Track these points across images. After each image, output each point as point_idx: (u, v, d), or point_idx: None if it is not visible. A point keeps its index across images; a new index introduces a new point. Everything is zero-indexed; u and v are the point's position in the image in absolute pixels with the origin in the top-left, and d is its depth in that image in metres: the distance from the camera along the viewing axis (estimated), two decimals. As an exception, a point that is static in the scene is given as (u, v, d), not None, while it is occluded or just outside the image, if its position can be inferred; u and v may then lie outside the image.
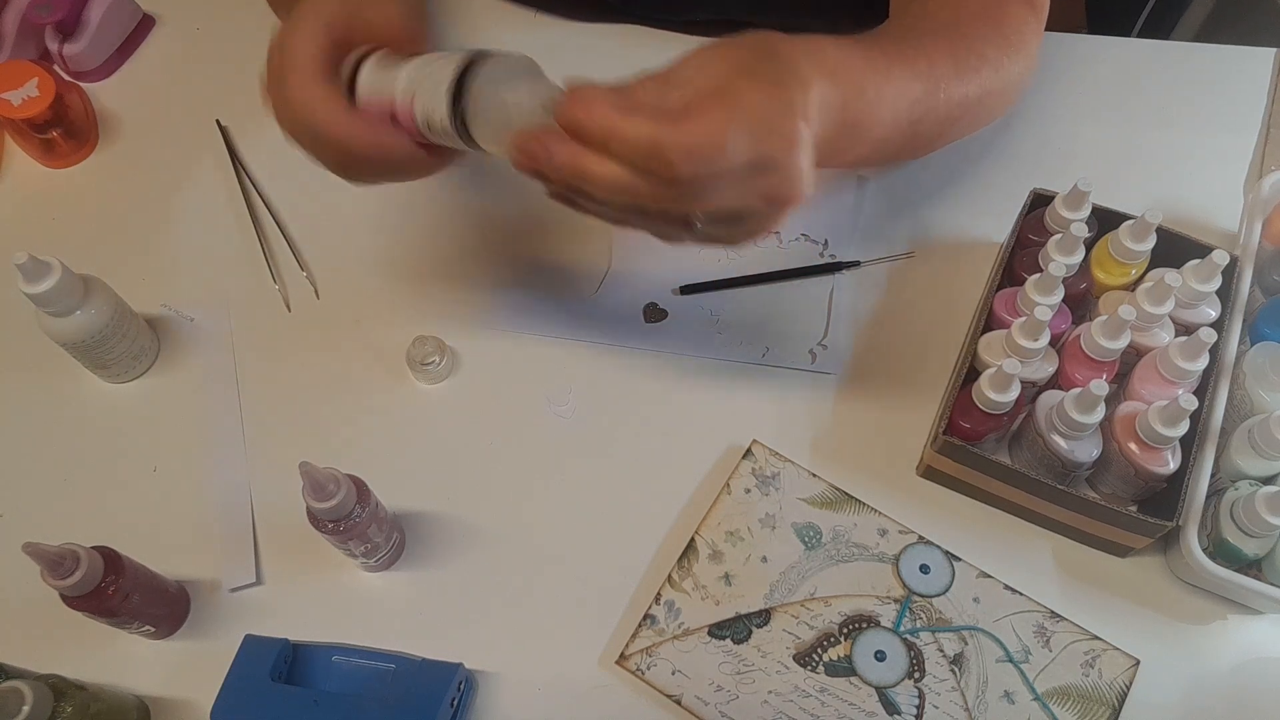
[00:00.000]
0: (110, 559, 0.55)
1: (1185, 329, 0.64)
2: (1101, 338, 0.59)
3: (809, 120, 0.47)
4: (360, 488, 0.56)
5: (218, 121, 0.81)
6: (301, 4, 0.51)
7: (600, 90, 0.46)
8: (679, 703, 0.58)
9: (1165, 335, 0.63)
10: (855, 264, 0.72)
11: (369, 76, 0.50)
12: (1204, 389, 0.61)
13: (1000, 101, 0.67)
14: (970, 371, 0.63)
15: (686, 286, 0.72)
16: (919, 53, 0.58)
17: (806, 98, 0.47)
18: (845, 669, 0.59)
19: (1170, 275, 0.60)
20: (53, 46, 0.81)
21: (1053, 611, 0.60)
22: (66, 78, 0.82)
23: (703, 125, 0.44)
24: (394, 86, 0.50)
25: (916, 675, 0.59)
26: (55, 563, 0.52)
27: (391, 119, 0.50)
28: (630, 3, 0.82)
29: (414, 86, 0.49)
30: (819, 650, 0.59)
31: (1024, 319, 0.60)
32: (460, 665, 0.57)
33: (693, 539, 0.62)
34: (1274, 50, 0.82)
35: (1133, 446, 0.58)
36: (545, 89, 0.48)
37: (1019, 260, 0.67)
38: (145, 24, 0.86)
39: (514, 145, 0.47)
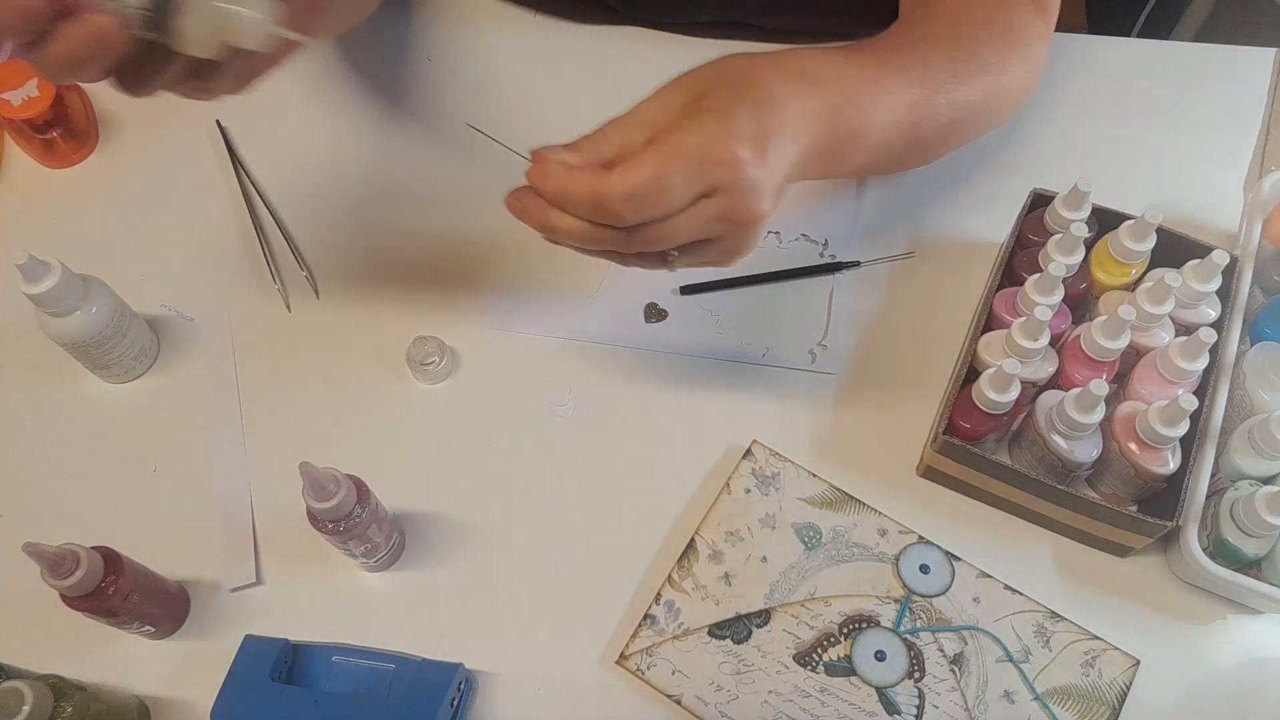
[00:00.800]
0: (110, 559, 0.55)
1: (1185, 329, 0.64)
2: (1101, 338, 0.59)
3: (756, 140, 0.48)
4: (360, 488, 0.56)
5: (218, 122, 0.81)
6: None
7: (554, 151, 0.49)
8: (679, 703, 0.58)
9: (1165, 335, 0.63)
10: (855, 264, 0.72)
11: None
12: (1204, 389, 0.61)
13: (1004, 105, 0.67)
14: (970, 371, 0.63)
15: (686, 287, 0.72)
16: (914, 59, 0.59)
17: (765, 119, 0.49)
18: (845, 669, 0.59)
19: (1170, 275, 0.60)
20: (53, 46, 0.81)
21: (1053, 611, 0.60)
22: (66, 78, 0.82)
23: (638, 171, 0.46)
24: None
25: (916, 675, 0.59)
26: (55, 563, 0.52)
27: None
28: (630, 4, 0.82)
29: None
30: (819, 650, 0.59)
31: (1024, 319, 0.60)
32: (460, 665, 0.57)
33: (693, 539, 0.62)
34: (1274, 50, 0.82)
35: (1133, 446, 0.58)
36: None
37: (1019, 260, 0.67)
38: (145, 24, 0.86)
39: (507, 200, 0.50)
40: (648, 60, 0.83)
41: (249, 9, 0.43)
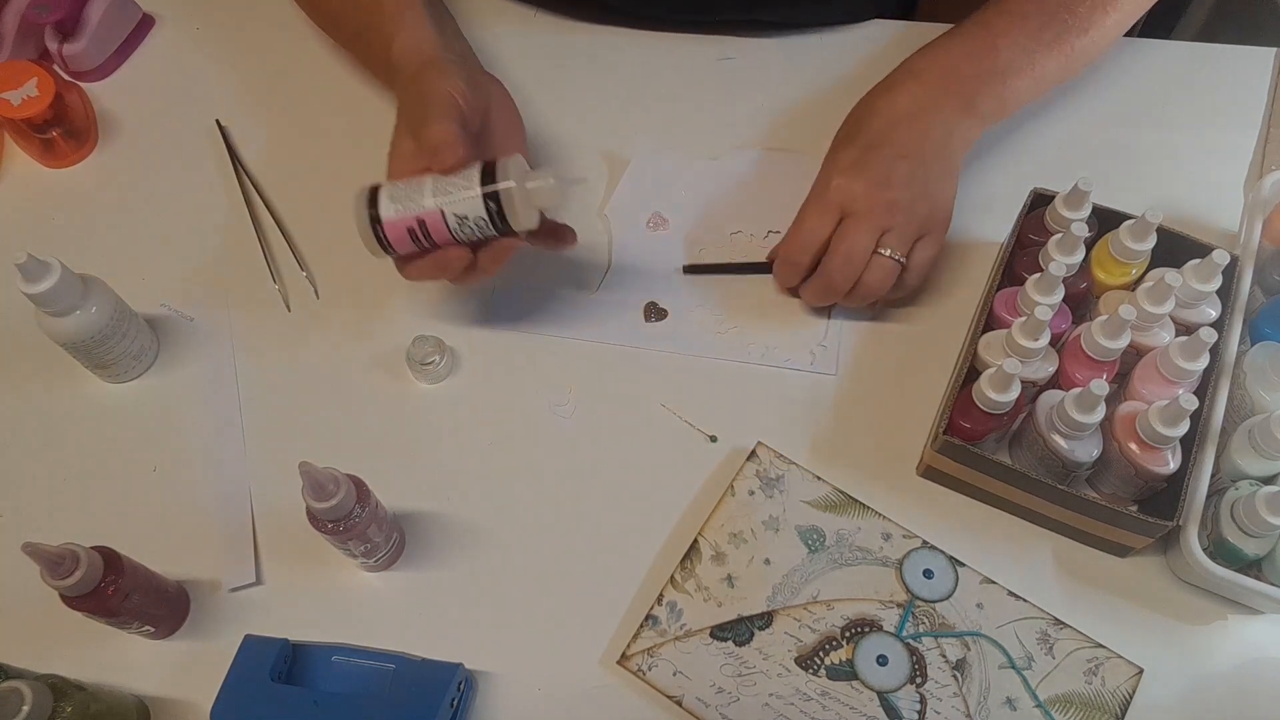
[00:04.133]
0: (110, 559, 0.55)
1: (1185, 329, 0.64)
2: (1102, 337, 0.59)
3: (899, 173, 0.65)
4: (360, 488, 0.56)
5: (218, 121, 0.81)
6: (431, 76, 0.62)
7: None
8: (680, 704, 0.58)
9: (1165, 335, 0.63)
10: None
11: (390, 204, 0.58)
12: (1204, 389, 0.61)
13: (1109, 36, 0.72)
14: (970, 371, 0.63)
15: (690, 266, 0.72)
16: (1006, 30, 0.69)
17: (833, 193, 0.65)
18: (847, 673, 0.59)
19: (1170, 275, 0.60)
20: (52, 46, 0.81)
21: (1056, 619, 0.60)
22: (66, 77, 0.82)
23: (786, 242, 0.68)
24: (420, 203, 0.57)
25: (918, 680, 0.59)
26: (55, 563, 0.52)
27: (415, 230, 0.58)
28: (643, 4, 0.82)
29: (441, 198, 0.57)
30: (821, 654, 0.59)
31: (1024, 319, 0.60)
32: (460, 665, 0.57)
33: (696, 540, 0.62)
34: (1274, 50, 0.82)
35: (1133, 446, 0.58)
36: (548, 173, 0.58)
37: (1019, 260, 0.67)
38: (145, 24, 0.86)
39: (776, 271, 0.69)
40: (643, 59, 0.83)
41: (547, 180, 0.57)
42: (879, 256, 0.64)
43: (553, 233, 0.64)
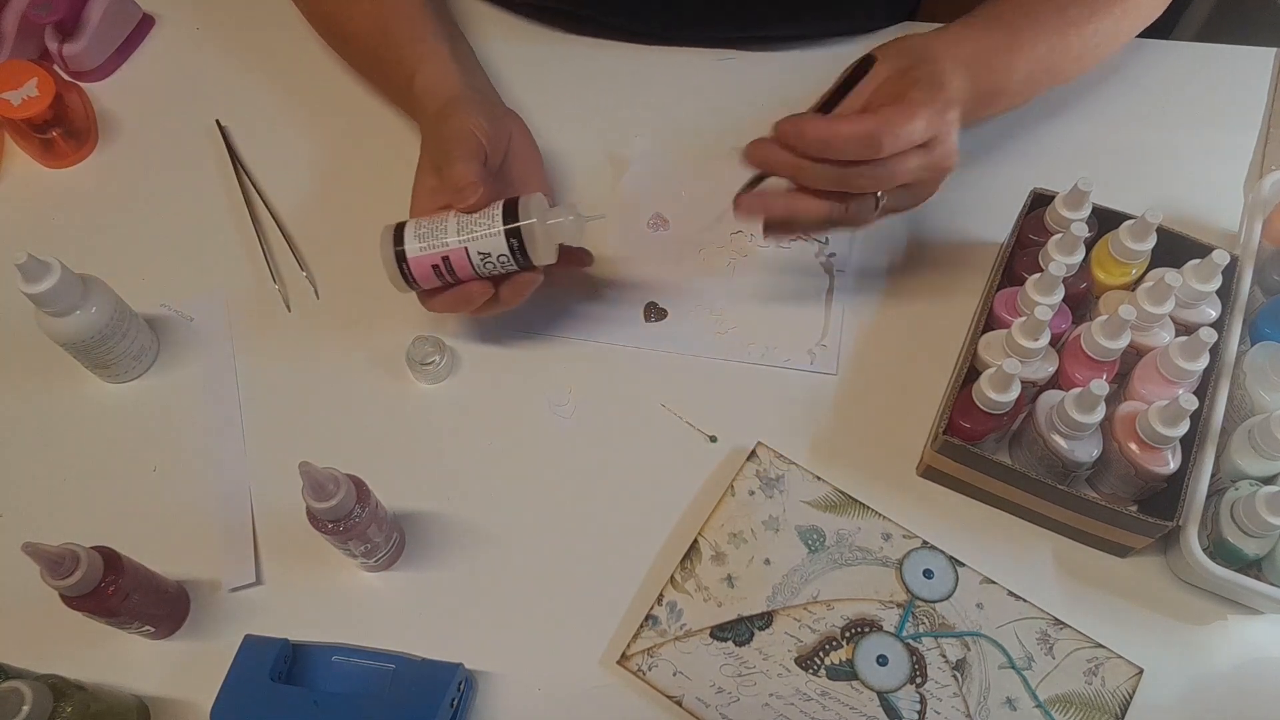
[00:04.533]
0: (110, 559, 0.55)
1: (1185, 329, 0.64)
2: (1102, 338, 0.59)
3: (958, 104, 0.61)
4: (360, 488, 0.56)
5: (218, 121, 0.81)
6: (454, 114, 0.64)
7: (806, 116, 0.60)
8: (680, 704, 0.58)
9: (1165, 335, 0.63)
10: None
11: (415, 241, 0.60)
12: (1204, 389, 0.61)
13: (1134, 22, 0.71)
14: (970, 371, 0.63)
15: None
16: (1046, 3, 0.67)
17: (950, 91, 0.60)
18: (847, 673, 0.59)
19: (1170, 275, 0.60)
20: (52, 46, 0.81)
21: (1056, 619, 0.60)
22: (66, 78, 0.82)
23: (899, 116, 0.58)
24: (444, 240, 0.60)
25: (918, 680, 0.59)
26: (55, 563, 0.52)
27: (440, 266, 0.60)
28: (645, 23, 0.82)
29: (465, 235, 0.60)
30: (821, 654, 0.59)
31: (1024, 319, 0.60)
32: (460, 665, 0.57)
33: (696, 540, 0.62)
34: (1274, 50, 0.82)
35: (1133, 446, 0.58)
36: (567, 209, 0.61)
37: (1019, 260, 0.67)
38: (145, 24, 0.86)
39: (748, 151, 0.61)
40: (648, 61, 0.83)
41: (566, 217, 0.60)
42: (873, 196, 0.61)
43: (569, 257, 0.66)
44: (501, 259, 0.60)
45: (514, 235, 0.59)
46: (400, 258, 0.60)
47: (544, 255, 0.60)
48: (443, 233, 0.60)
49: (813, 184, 0.60)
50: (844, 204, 0.61)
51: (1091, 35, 0.68)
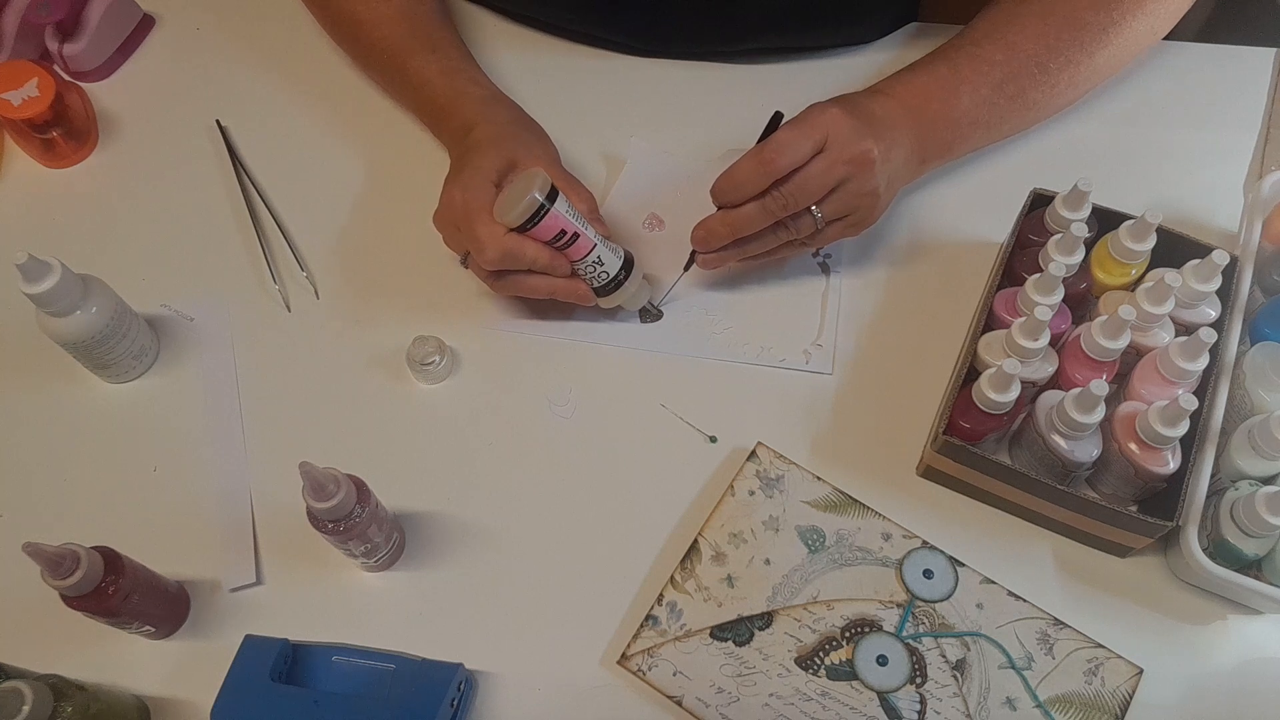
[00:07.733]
0: (110, 559, 0.55)
1: (1185, 329, 0.64)
2: (1101, 338, 0.59)
3: (864, 117, 0.64)
4: (360, 488, 0.56)
5: (218, 121, 0.81)
6: (471, 158, 0.67)
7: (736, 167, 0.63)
8: (680, 704, 0.58)
9: (1165, 335, 0.63)
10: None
11: (564, 205, 0.64)
12: (1204, 389, 0.61)
13: (1121, 54, 0.71)
14: (970, 371, 0.63)
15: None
16: (997, 46, 0.69)
17: (858, 108, 0.64)
18: (847, 673, 0.59)
19: (1170, 275, 0.60)
20: (53, 46, 0.81)
21: (1056, 619, 0.60)
22: (66, 78, 0.82)
23: (780, 133, 0.62)
24: (584, 227, 0.64)
25: (918, 680, 0.59)
26: (55, 563, 0.52)
27: (566, 234, 0.63)
28: (664, 42, 0.82)
29: (597, 240, 0.65)
30: (821, 654, 0.59)
31: (1024, 319, 0.60)
32: (460, 665, 0.57)
33: (696, 540, 0.62)
34: (1274, 50, 0.82)
35: (1133, 446, 0.58)
36: (647, 282, 0.70)
37: (1019, 260, 0.67)
38: (145, 24, 0.86)
39: (695, 237, 0.67)
40: (647, 83, 0.83)
41: (646, 293, 0.70)
42: (807, 213, 0.64)
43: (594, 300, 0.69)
44: (603, 274, 0.66)
45: (625, 268, 0.67)
46: (542, 207, 0.62)
47: (621, 299, 0.68)
48: (584, 225, 0.65)
49: (750, 227, 0.65)
50: (786, 227, 0.65)
51: (1068, 62, 0.69)
